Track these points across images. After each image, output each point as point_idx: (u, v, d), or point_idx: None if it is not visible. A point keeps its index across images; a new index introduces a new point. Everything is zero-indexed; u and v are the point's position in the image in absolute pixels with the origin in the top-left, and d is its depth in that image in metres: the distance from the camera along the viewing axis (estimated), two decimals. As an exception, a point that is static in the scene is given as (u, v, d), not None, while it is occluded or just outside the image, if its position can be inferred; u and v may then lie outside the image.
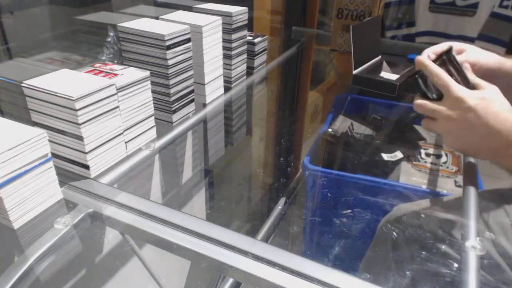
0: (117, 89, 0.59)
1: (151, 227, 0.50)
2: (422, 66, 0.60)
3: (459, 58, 0.63)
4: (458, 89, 0.55)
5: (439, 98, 0.58)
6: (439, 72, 0.57)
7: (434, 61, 0.60)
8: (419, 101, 0.60)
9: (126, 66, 0.67)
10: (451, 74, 0.58)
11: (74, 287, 0.66)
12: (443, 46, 0.64)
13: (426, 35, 1.60)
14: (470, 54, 0.66)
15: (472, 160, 0.70)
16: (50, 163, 0.52)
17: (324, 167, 0.88)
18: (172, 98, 0.74)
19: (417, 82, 0.61)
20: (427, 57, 0.61)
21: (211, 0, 0.95)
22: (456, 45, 0.66)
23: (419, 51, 0.66)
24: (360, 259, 0.82)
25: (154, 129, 0.71)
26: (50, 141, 0.51)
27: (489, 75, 0.64)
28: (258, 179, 1.31)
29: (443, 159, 0.92)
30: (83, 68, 0.65)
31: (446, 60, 0.60)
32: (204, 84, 0.83)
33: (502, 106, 0.54)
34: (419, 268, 0.67)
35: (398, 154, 0.93)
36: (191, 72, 0.77)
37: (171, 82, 0.72)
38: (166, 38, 0.68)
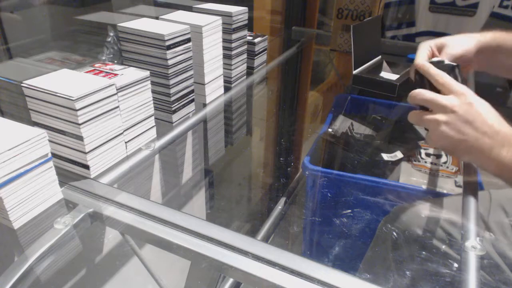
0: (117, 89, 0.59)
1: (151, 227, 0.50)
2: (422, 69, 0.60)
3: (442, 56, 0.65)
4: (460, 86, 0.55)
5: None
6: (440, 72, 0.58)
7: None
8: (419, 90, 0.58)
9: (126, 66, 0.67)
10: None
11: (74, 287, 0.66)
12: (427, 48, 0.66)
13: (426, 35, 1.60)
14: (455, 47, 0.67)
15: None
16: (50, 163, 0.52)
17: (324, 167, 0.87)
18: (172, 98, 0.74)
19: (419, 82, 0.61)
20: (426, 61, 0.61)
21: (211, 0, 0.95)
22: (433, 42, 0.67)
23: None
24: (360, 259, 0.82)
25: (154, 129, 0.71)
26: (50, 141, 0.51)
27: (472, 53, 0.67)
28: (258, 179, 1.31)
29: (443, 159, 0.92)
30: (83, 68, 0.65)
31: (447, 63, 0.61)
32: (204, 84, 0.83)
33: (495, 112, 0.54)
34: (419, 268, 0.67)
35: (398, 154, 0.93)
36: (191, 72, 0.77)
37: (171, 82, 0.72)
38: (166, 38, 0.68)
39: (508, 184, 0.54)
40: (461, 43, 0.67)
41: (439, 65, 0.61)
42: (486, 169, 0.55)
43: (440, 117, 0.55)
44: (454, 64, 0.61)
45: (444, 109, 0.55)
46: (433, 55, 0.67)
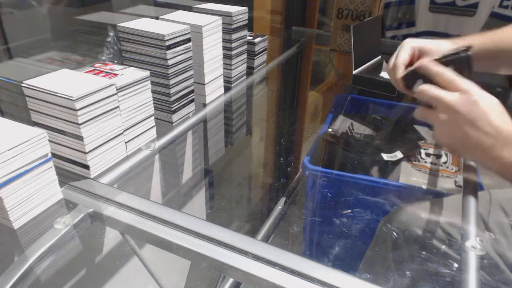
0: (117, 89, 0.59)
1: (151, 227, 0.50)
2: (425, 69, 0.59)
3: (428, 58, 0.63)
4: (465, 83, 0.54)
5: None
6: (442, 70, 0.57)
7: (451, 56, 0.59)
8: (426, 86, 0.57)
9: (126, 66, 0.67)
10: (461, 72, 0.57)
11: (74, 287, 0.66)
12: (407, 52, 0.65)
13: (426, 35, 1.60)
14: (431, 47, 0.66)
15: (472, 160, 0.70)
16: (50, 163, 0.52)
17: (324, 167, 0.87)
18: (172, 98, 0.74)
19: (410, 84, 0.61)
20: (427, 60, 0.60)
21: (211, 0, 0.95)
22: (414, 46, 0.66)
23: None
24: (360, 259, 0.82)
25: (154, 129, 0.71)
26: (50, 141, 0.51)
27: None
28: (258, 179, 1.31)
29: (443, 159, 0.92)
30: (83, 68, 0.65)
31: (464, 58, 0.59)
32: (204, 84, 0.83)
33: (501, 109, 0.54)
34: (419, 268, 0.67)
35: (398, 154, 0.93)
36: (191, 72, 0.77)
37: (171, 82, 0.72)
38: (166, 38, 0.68)
39: (510, 183, 0.54)
40: (441, 50, 0.66)
41: (450, 56, 0.59)
42: (488, 168, 0.55)
43: (443, 115, 0.55)
44: (465, 55, 0.59)
45: (447, 107, 0.54)
46: (413, 59, 0.66)
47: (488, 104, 0.53)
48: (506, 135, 0.51)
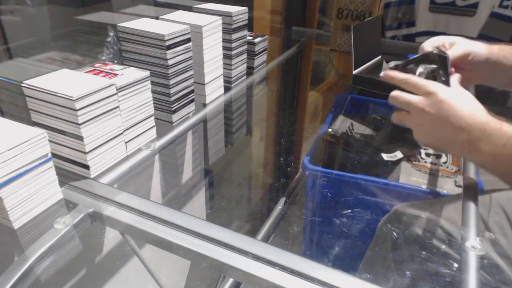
0: (117, 89, 0.59)
1: (151, 227, 0.50)
2: (390, 80, 0.60)
3: (452, 51, 0.64)
4: (429, 84, 0.55)
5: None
6: (406, 76, 0.58)
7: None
8: (395, 93, 0.59)
9: (126, 66, 0.67)
10: (434, 70, 0.58)
11: (74, 287, 0.66)
12: (440, 40, 0.65)
13: (426, 35, 1.60)
14: (464, 45, 0.66)
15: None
16: (50, 163, 0.52)
17: (324, 167, 0.87)
18: (172, 98, 0.74)
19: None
20: (389, 70, 0.61)
21: (211, 0, 0.95)
22: (447, 38, 0.67)
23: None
24: (360, 259, 0.82)
25: (154, 129, 0.71)
26: (50, 141, 0.51)
27: (481, 63, 0.66)
28: (258, 179, 1.31)
29: (443, 159, 0.92)
30: (83, 68, 0.65)
31: (437, 52, 0.60)
32: (204, 84, 0.83)
33: (474, 103, 0.54)
34: (419, 268, 0.67)
35: (398, 154, 0.93)
36: (191, 72, 0.77)
37: (171, 82, 0.72)
38: (166, 38, 0.68)
39: (493, 175, 0.55)
40: (473, 43, 0.67)
41: (417, 58, 0.60)
42: (471, 161, 0.56)
43: (416, 119, 0.57)
44: (438, 53, 0.60)
45: (418, 111, 0.56)
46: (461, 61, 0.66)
47: (457, 101, 0.54)
48: (479, 129, 0.52)
